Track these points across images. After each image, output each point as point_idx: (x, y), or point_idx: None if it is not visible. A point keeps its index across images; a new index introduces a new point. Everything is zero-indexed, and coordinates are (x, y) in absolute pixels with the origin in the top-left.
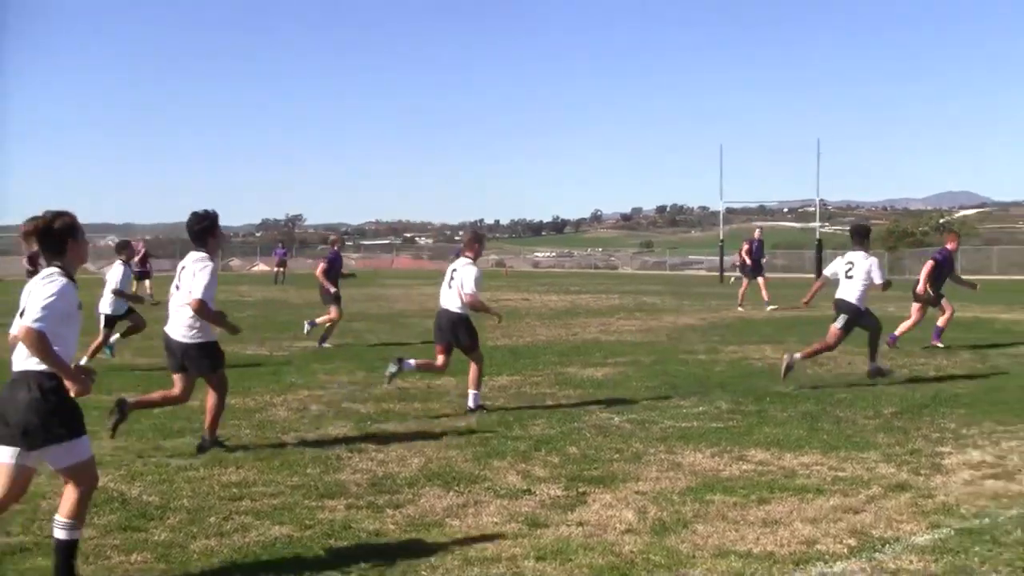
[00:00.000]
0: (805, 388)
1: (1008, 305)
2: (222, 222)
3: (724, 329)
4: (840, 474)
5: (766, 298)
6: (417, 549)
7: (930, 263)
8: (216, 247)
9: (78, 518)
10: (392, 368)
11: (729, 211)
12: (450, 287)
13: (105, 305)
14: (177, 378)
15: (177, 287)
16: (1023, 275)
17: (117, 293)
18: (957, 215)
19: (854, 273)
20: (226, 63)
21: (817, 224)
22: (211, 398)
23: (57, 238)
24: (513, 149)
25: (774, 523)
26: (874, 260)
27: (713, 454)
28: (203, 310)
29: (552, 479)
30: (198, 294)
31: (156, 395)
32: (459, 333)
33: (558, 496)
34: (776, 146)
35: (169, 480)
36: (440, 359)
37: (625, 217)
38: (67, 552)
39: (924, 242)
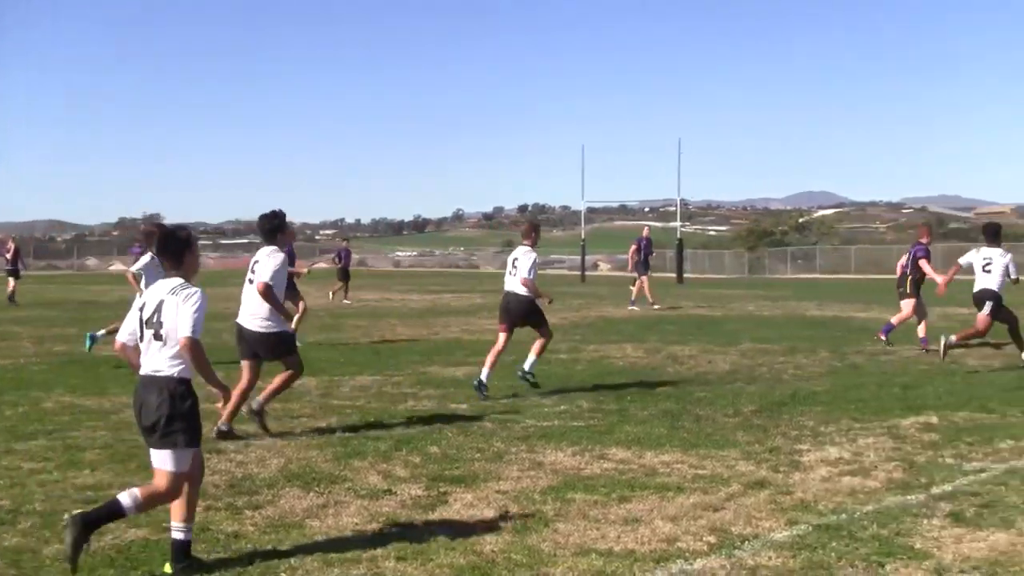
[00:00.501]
0: (666, 385)
1: (866, 304)
2: (75, 219)
3: (586, 328)
4: (700, 472)
5: (633, 297)
6: (276, 550)
7: (923, 259)
8: (284, 242)
9: (145, 506)
10: (480, 396)
11: (591, 210)
12: (512, 274)
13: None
14: (245, 365)
15: (250, 280)
16: (880, 274)
17: (132, 277)
18: (816, 215)
19: (992, 268)
20: (81, 56)
21: (678, 224)
22: (283, 377)
23: (177, 249)
24: (375, 148)
25: (635, 521)
26: (1010, 256)
27: (574, 453)
28: (267, 293)
29: (413, 479)
30: (265, 278)
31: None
32: (528, 314)
33: (419, 496)
34: (638, 146)
35: (21, 484)
36: (501, 338)
37: (487, 216)
38: (114, 512)
39: (784, 241)
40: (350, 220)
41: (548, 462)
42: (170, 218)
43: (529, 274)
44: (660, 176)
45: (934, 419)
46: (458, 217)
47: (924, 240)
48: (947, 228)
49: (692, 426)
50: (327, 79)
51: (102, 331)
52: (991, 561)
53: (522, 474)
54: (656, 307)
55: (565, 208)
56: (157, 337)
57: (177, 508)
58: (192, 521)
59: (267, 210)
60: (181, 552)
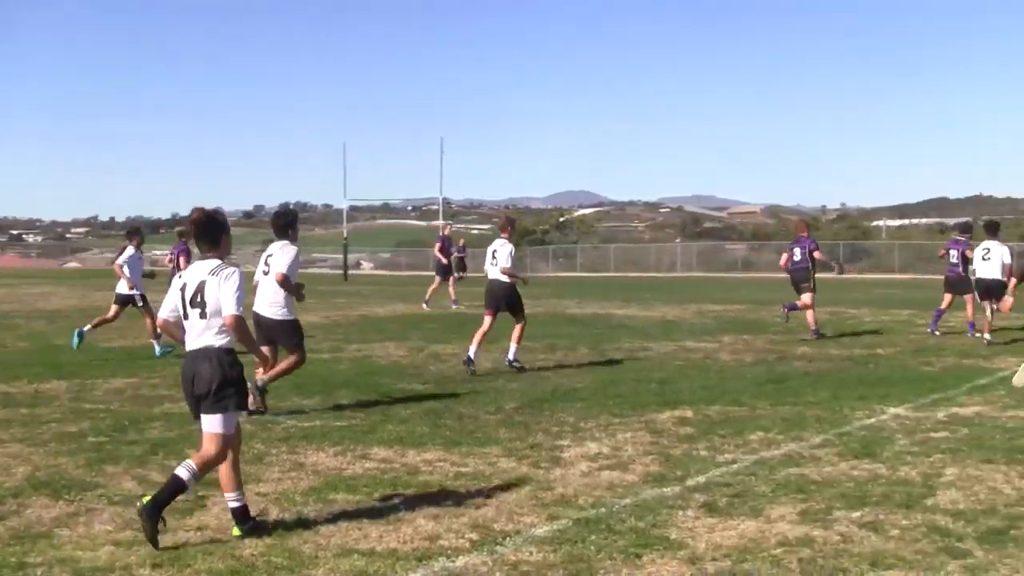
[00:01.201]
0: (429, 384)
1: (625, 301)
2: None
3: (348, 327)
4: (463, 470)
5: (452, 296)
6: (21, 563)
7: (817, 250)
8: (295, 238)
9: (201, 473)
10: (468, 371)
11: (353, 209)
12: (492, 264)
13: (124, 286)
14: (266, 349)
15: (264, 272)
16: (638, 272)
17: (119, 268)
18: (576, 214)
19: (991, 256)
20: None
21: (441, 222)
22: (288, 362)
23: (215, 232)
24: (128, 144)
25: (397, 520)
26: (1006, 247)
27: (336, 453)
28: (285, 283)
29: None
30: (282, 269)
31: (260, 370)
32: (508, 298)
33: (176, 501)
34: (401, 144)
35: None
36: (487, 321)
37: (247, 215)
38: (176, 488)
39: (545, 240)
40: (104, 218)
41: (309, 463)
42: None
43: (507, 263)
44: (423, 175)
45: (689, 413)
46: None
47: (805, 233)
48: (702, 227)
49: (454, 424)
50: (74, 71)
51: (87, 326)
52: (741, 548)
53: (283, 475)
54: (426, 308)
55: (327, 206)
56: (203, 315)
57: (226, 480)
58: (242, 487)
59: (281, 208)
60: (243, 516)
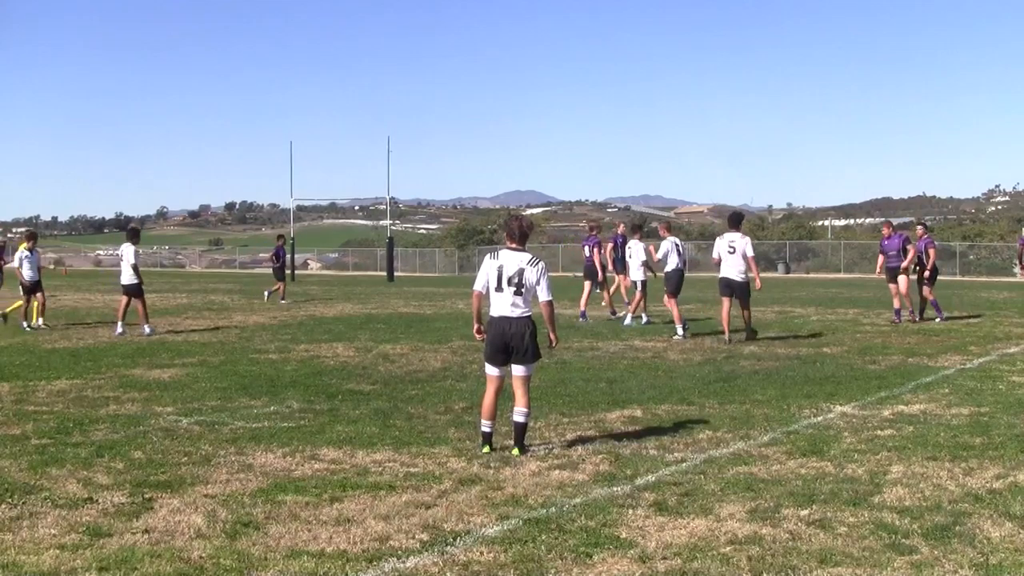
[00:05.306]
0: (377, 384)
1: (573, 301)
2: None
3: (295, 328)
4: (412, 470)
5: (604, 302)
6: None
7: (932, 248)
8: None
9: (529, 408)
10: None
11: (300, 208)
12: (732, 252)
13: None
14: (727, 301)
15: (729, 252)
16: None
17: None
18: (524, 214)
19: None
20: None
21: (388, 222)
22: (734, 308)
23: (525, 234)
24: (72, 143)
25: (347, 521)
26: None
27: (285, 454)
28: (752, 261)
29: (116, 486)
30: (752, 253)
31: (725, 315)
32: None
33: (123, 503)
34: (347, 144)
35: None
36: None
37: (193, 214)
38: (522, 430)
39: (493, 240)
40: (46, 217)
41: (258, 464)
42: None
43: (651, 257)
44: (370, 174)
45: (638, 412)
46: (162, 215)
47: (918, 233)
48: (650, 227)
49: (404, 424)
50: (20, 69)
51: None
52: (691, 547)
53: (231, 477)
54: (616, 315)
55: (274, 206)
56: (518, 292)
57: (487, 409)
58: (495, 419)
59: (736, 209)
60: (488, 442)
